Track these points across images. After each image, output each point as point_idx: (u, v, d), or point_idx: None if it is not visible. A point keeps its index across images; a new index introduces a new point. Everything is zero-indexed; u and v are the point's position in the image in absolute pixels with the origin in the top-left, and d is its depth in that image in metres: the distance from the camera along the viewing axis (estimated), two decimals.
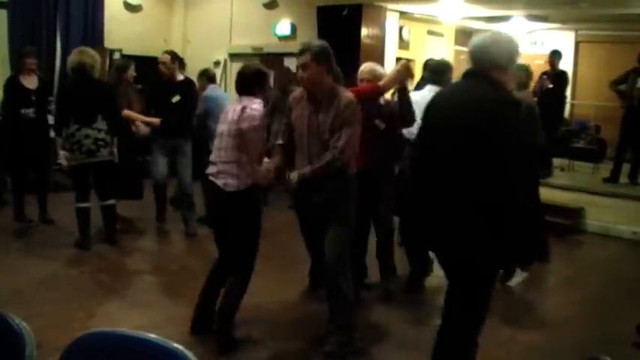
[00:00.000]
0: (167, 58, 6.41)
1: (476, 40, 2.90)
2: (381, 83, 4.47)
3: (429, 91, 5.48)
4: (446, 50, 13.28)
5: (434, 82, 5.44)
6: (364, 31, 9.80)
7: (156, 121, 6.34)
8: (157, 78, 6.54)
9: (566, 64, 10.37)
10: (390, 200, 4.89)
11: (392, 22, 10.89)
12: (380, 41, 10.17)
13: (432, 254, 5.74)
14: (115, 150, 6.00)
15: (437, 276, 5.86)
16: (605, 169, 9.09)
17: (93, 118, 5.78)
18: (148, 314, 4.47)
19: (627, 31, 11.66)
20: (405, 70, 4.47)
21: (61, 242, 6.10)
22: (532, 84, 7.34)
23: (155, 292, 5.05)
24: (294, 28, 10.57)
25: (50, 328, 3.83)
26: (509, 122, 2.65)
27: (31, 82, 6.74)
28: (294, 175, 3.87)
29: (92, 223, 6.10)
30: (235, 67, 10.21)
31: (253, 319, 4.33)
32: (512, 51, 2.84)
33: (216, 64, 11.06)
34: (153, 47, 10.27)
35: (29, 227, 6.73)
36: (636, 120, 8.44)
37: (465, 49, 14.62)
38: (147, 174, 6.92)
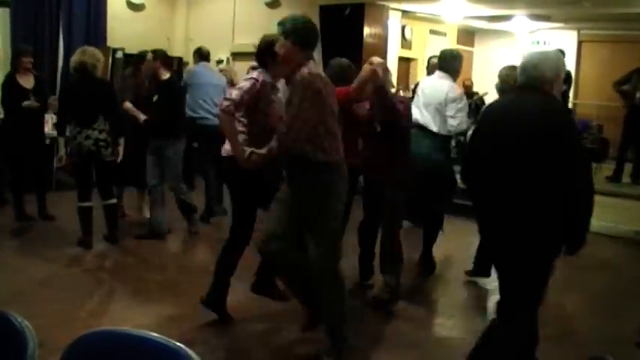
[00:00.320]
0: (150, 56, 6.38)
1: (527, 56, 3.18)
2: (350, 89, 4.08)
3: (438, 78, 5.55)
4: None
5: (442, 69, 5.55)
6: (366, 31, 9.80)
7: (139, 118, 6.32)
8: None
9: (568, 64, 10.34)
10: (396, 204, 4.80)
11: (394, 21, 10.89)
12: (382, 40, 10.17)
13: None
14: (121, 149, 6.03)
15: (436, 276, 5.87)
16: (608, 168, 9.08)
17: (94, 119, 5.78)
18: (149, 313, 4.47)
19: (630, 30, 11.65)
20: (371, 74, 3.93)
21: (63, 241, 6.10)
22: None
23: (157, 291, 5.04)
24: None
25: (52, 326, 3.83)
26: (571, 128, 3.04)
27: (27, 81, 6.73)
28: (246, 153, 3.65)
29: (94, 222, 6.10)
30: (238, 65, 10.21)
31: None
32: (559, 66, 3.14)
33: (219, 62, 11.05)
34: (155, 46, 10.20)
35: (30, 226, 6.73)
36: (639, 120, 8.44)
37: (467, 48, 14.72)
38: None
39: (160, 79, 6.23)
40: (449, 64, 5.51)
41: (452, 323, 4.69)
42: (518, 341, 3.20)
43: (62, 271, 5.41)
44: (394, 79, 9.45)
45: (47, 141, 7.62)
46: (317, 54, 10.25)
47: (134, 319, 4.33)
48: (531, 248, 3.03)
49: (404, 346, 4.22)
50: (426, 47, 12.05)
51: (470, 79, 12.39)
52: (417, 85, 7.96)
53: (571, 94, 10.39)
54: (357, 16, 9.73)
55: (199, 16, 11.75)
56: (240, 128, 3.91)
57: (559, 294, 5.61)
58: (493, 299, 4.34)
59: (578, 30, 12.75)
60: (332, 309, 3.64)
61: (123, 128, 6.12)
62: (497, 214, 3.12)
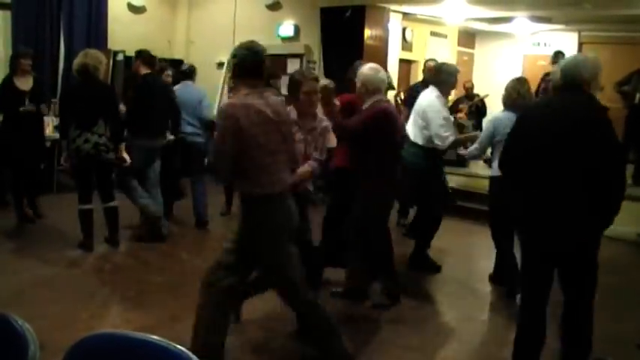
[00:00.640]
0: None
1: (567, 60, 3.56)
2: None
3: (431, 91, 5.62)
4: (449, 51, 13.29)
5: (436, 84, 5.66)
6: (367, 33, 9.80)
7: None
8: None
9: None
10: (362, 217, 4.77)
11: (395, 23, 10.90)
12: (383, 42, 10.17)
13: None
14: (125, 155, 6.07)
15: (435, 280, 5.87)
16: None
17: (94, 122, 5.78)
18: (150, 315, 4.47)
19: (630, 32, 11.66)
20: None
21: (64, 243, 6.11)
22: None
23: (157, 293, 5.04)
24: (297, 29, 10.58)
25: (53, 329, 3.83)
26: (609, 122, 3.32)
27: (25, 83, 6.73)
28: None
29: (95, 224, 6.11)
30: None
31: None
32: (595, 69, 3.43)
33: (220, 65, 11.07)
34: (156, 48, 10.26)
35: (31, 228, 6.74)
36: (639, 120, 8.45)
37: (468, 50, 14.69)
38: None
39: (139, 75, 6.34)
40: (438, 77, 5.66)
41: (452, 325, 4.69)
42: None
43: (63, 273, 5.41)
44: (395, 82, 9.47)
45: (48, 143, 7.64)
46: (317, 56, 10.29)
47: (135, 321, 4.33)
48: (583, 227, 3.35)
49: (403, 348, 4.22)
50: (427, 49, 12.04)
51: (470, 81, 12.38)
52: (408, 90, 8.00)
53: None
54: (357, 18, 9.73)
55: (200, 19, 11.77)
56: None
57: (560, 295, 5.61)
58: None
59: (579, 32, 12.75)
60: (317, 333, 3.63)
61: (123, 133, 6.14)
62: (542, 198, 3.36)
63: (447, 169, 9.05)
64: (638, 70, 8.59)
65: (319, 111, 4.38)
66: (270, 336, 4.25)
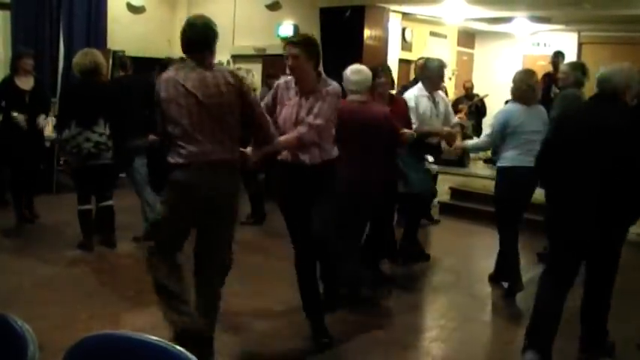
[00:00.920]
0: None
1: (603, 70, 3.81)
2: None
3: (413, 88, 5.92)
4: (448, 51, 13.29)
5: (421, 81, 5.95)
6: (367, 33, 9.80)
7: None
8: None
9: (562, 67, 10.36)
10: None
11: (395, 23, 10.90)
12: (383, 42, 10.18)
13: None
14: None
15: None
16: None
17: (94, 121, 5.77)
18: (150, 315, 4.46)
19: (630, 32, 11.66)
20: None
21: (63, 243, 6.10)
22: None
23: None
24: (296, 29, 10.58)
25: (53, 329, 3.82)
26: None
27: (26, 82, 6.74)
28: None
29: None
30: (238, 68, 10.22)
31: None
32: (628, 78, 3.74)
33: (219, 65, 11.06)
34: (156, 48, 10.30)
35: (31, 228, 6.74)
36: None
37: (468, 50, 14.69)
38: None
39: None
40: (422, 73, 5.86)
41: (452, 325, 4.68)
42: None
43: (62, 273, 5.40)
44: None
45: (47, 143, 7.63)
46: None
47: (134, 321, 4.33)
48: (614, 220, 3.73)
49: (403, 347, 4.22)
50: (427, 49, 12.05)
51: (470, 81, 12.40)
52: (399, 89, 8.00)
53: None
54: (357, 19, 9.74)
55: None
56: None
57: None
58: None
59: (579, 32, 12.76)
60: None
61: (121, 133, 6.13)
62: (581, 197, 3.68)
63: (446, 169, 9.12)
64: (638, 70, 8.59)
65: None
66: (276, 328, 4.25)
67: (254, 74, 7.41)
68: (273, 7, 10.77)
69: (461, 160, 9.88)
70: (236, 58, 11.18)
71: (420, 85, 5.93)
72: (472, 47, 14.51)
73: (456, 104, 11.69)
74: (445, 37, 13.15)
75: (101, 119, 5.82)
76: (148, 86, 6.73)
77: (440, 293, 5.61)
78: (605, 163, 3.59)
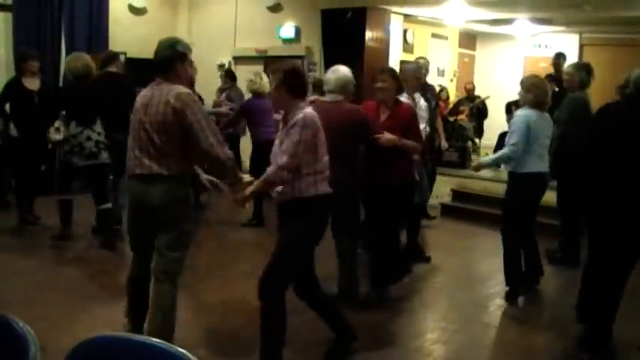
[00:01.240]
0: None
1: (636, 73, 4.12)
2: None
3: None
4: (450, 53, 13.29)
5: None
6: (368, 34, 9.80)
7: None
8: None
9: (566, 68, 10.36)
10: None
11: (396, 25, 10.90)
12: (384, 44, 10.17)
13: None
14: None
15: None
16: None
17: (93, 120, 5.92)
18: None
19: (631, 33, 11.66)
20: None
21: (65, 244, 6.11)
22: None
23: None
24: (298, 31, 10.59)
25: (54, 330, 3.83)
26: None
27: (32, 83, 6.77)
28: None
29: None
30: (240, 69, 10.23)
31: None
32: None
33: (221, 66, 11.07)
34: None
35: (32, 229, 6.74)
36: None
37: (469, 51, 14.66)
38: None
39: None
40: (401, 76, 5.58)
41: (453, 327, 4.68)
42: None
43: (64, 275, 5.41)
44: None
45: (49, 145, 7.64)
46: (318, 58, 10.29)
47: None
48: None
49: (403, 349, 4.22)
50: (428, 51, 12.05)
51: (472, 83, 12.41)
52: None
53: None
54: (358, 20, 9.73)
55: (201, 20, 11.77)
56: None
57: (561, 295, 5.61)
58: None
59: (580, 33, 12.76)
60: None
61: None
62: (616, 188, 3.97)
63: (447, 170, 9.12)
64: None
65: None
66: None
67: (262, 77, 7.34)
68: (274, 8, 10.78)
69: (462, 161, 9.87)
70: (237, 59, 11.19)
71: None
72: (473, 49, 14.52)
73: (457, 106, 11.72)
74: (446, 38, 13.15)
75: (99, 120, 5.94)
76: (126, 84, 6.81)
77: (441, 295, 5.61)
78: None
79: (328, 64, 10.07)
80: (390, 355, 4.13)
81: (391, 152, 4.73)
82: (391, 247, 5.10)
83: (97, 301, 4.80)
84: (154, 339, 1.68)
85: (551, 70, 9.39)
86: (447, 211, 8.59)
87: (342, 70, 4.75)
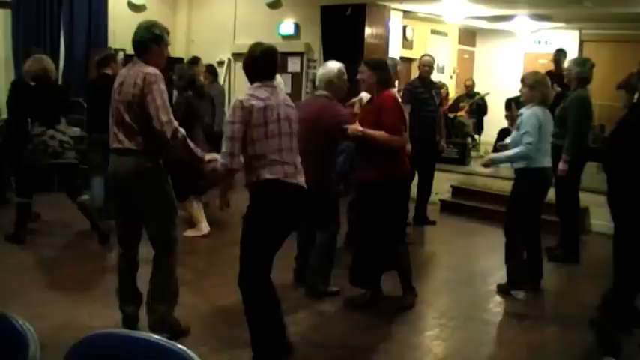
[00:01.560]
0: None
1: None
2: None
3: None
4: (449, 49, 13.28)
5: None
6: (368, 31, 9.79)
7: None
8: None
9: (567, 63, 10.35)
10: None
11: (396, 21, 10.90)
12: (384, 40, 10.17)
13: None
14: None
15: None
16: None
17: (56, 120, 6.06)
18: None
19: (631, 30, 11.65)
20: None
21: (65, 242, 6.11)
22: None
23: None
24: (297, 27, 10.58)
25: (54, 328, 3.83)
26: None
27: None
28: None
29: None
30: (239, 66, 10.21)
31: None
32: None
33: (220, 63, 11.06)
34: None
35: (32, 226, 6.73)
36: None
37: (469, 48, 14.68)
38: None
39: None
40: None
41: (453, 324, 4.69)
42: None
43: (65, 272, 5.41)
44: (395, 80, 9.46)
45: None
46: (317, 55, 10.28)
47: None
48: None
49: (404, 346, 4.22)
50: (428, 47, 12.04)
51: (471, 79, 12.39)
52: (405, 86, 7.98)
53: None
54: (358, 17, 9.72)
55: (200, 17, 11.76)
56: None
57: (560, 295, 5.62)
58: None
59: (580, 30, 12.74)
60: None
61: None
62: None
63: (447, 166, 9.12)
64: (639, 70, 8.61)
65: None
66: None
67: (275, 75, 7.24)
68: (274, 5, 10.76)
69: (462, 158, 9.87)
70: (237, 56, 11.17)
71: None
72: (473, 45, 14.50)
73: (456, 102, 11.71)
74: (446, 35, 13.15)
75: (64, 119, 6.12)
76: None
77: (441, 292, 5.61)
78: None
79: (327, 60, 10.09)
80: (389, 351, 4.14)
81: (370, 147, 4.58)
82: (370, 248, 4.77)
83: (97, 298, 4.80)
84: (153, 335, 1.67)
85: (551, 66, 9.38)
86: (446, 207, 8.58)
87: (329, 66, 4.80)
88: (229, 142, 3.47)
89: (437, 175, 7.79)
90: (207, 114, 7.61)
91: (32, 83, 6.11)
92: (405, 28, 11.63)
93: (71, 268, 5.55)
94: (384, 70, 4.71)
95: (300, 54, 10.40)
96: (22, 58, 7.02)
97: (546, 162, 5.13)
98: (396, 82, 6.54)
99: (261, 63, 3.62)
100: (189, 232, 6.53)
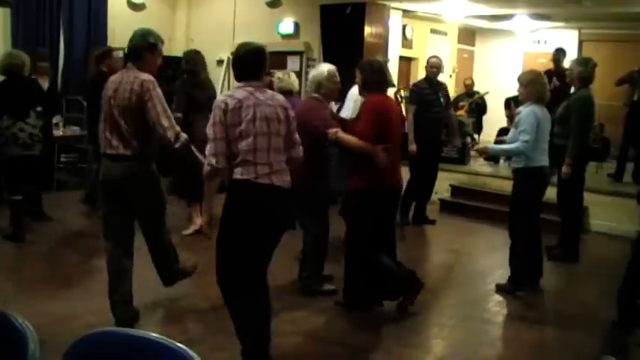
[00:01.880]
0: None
1: None
2: None
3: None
4: (449, 49, 13.28)
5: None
6: (367, 30, 9.79)
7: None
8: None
9: (569, 63, 10.35)
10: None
11: (395, 20, 10.89)
12: (383, 40, 10.17)
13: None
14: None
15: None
16: (609, 168, 9.07)
17: (26, 114, 6.10)
18: (151, 313, 4.47)
19: (630, 29, 11.65)
20: None
21: (64, 240, 6.11)
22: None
23: (157, 290, 5.03)
24: (297, 26, 10.57)
25: (53, 326, 3.83)
26: None
27: (42, 83, 6.83)
28: None
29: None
30: None
31: None
32: None
33: (220, 62, 11.05)
34: None
35: (31, 225, 6.73)
36: (639, 119, 8.45)
37: (468, 47, 14.68)
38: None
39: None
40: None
41: (452, 323, 4.69)
42: None
43: (64, 270, 5.41)
44: (395, 79, 9.46)
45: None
46: (317, 54, 10.28)
47: None
48: None
49: (404, 345, 4.22)
50: (427, 47, 12.04)
51: (471, 79, 12.39)
52: (412, 87, 8.00)
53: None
54: (357, 16, 9.72)
55: (200, 16, 11.75)
56: None
57: (561, 295, 5.61)
58: None
59: (579, 29, 12.75)
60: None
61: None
62: None
63: (446, 166, 9.11)
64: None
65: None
66: (275, 325, 4.25)
67: (290, 75, 7.12)
68: (273, 4, 10.76)
69: (461, 157, 9.87)
70: None
71: None
72: (472, 45, 14.51)
73: (456, 102, 11.69)
74: (445, 34, 13.14)
75: (33, 113, 6.15)
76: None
77: (440, 291, 5.60)
78: None
79: (327, 59, 10.09)
80: (389, 351, 4.14)
81: (348, 154, 4.52)
82: (354, 259, 4.60)
83: (97, 296, 4.79)
84: (153, 334, 1.67)
85: (550, 65, 9.38)
86: (445, 206, 8.58)
87: (320, 69, 4.82)
88: (211, 144, 3.41)
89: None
90: (208, 107, 7.59)
91: (1, 77, 6.27)
92: (404, 27, 11.63)
93: (70, 266, 5.54)
94: (369, 73, 4.55)
95: (299, 53, 10.39)
96: (31, 61, 7.00)
97: (544, 161, 5.13)
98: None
99: (245, 62, 3.57)
100: (188, 231, 6.53)
